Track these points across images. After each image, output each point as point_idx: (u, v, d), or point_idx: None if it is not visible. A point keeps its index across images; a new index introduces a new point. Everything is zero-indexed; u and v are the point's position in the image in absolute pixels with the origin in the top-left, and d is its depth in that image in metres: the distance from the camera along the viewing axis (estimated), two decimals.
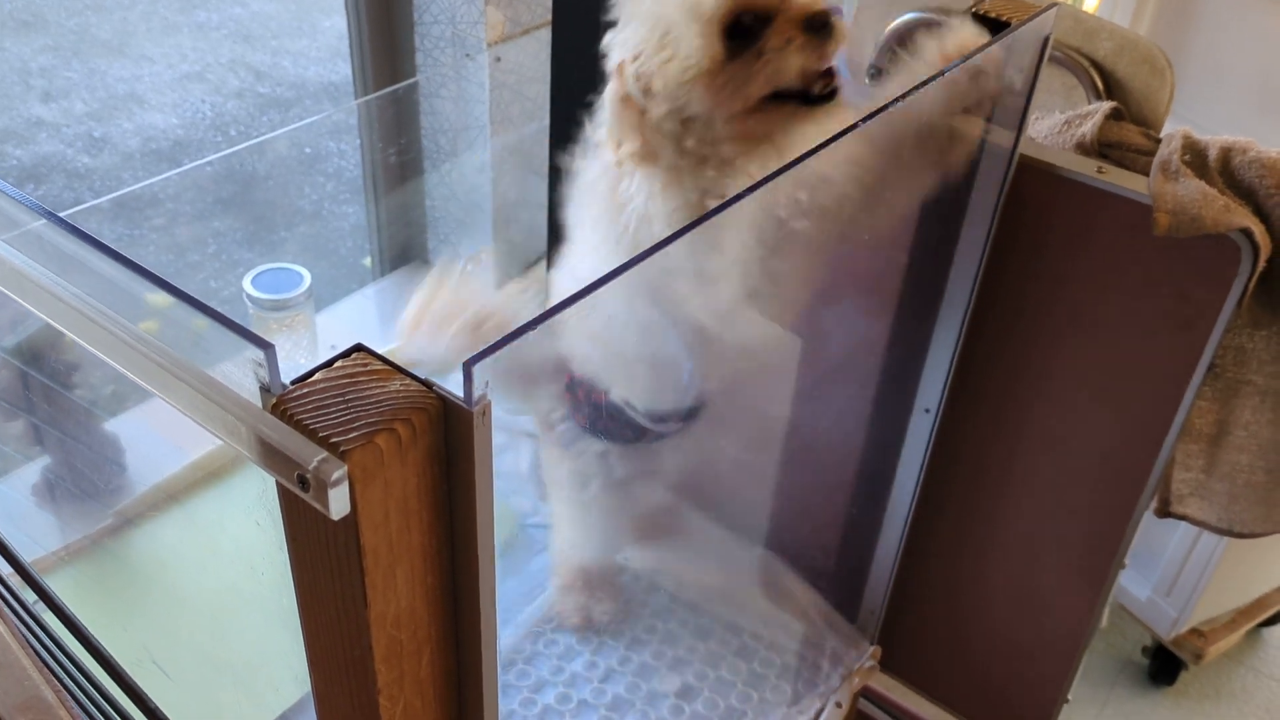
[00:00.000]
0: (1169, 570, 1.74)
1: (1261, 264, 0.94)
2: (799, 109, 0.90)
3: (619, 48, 0.92)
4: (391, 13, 1.61)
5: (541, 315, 0.53)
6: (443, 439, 0.52)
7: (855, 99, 1.03)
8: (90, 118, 3.44)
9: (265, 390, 0.51)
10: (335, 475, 0.47)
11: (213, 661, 0.84)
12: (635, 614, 1.30)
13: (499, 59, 1.57)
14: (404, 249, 1.84)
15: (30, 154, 3.25)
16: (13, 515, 1.22)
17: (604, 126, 0.94)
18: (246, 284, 1.51)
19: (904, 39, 1.15)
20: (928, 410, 1.11)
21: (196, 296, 0.53)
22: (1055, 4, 0.89)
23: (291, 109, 3.60)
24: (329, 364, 0.53)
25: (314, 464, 0.48)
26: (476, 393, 0.50)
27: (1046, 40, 0.90)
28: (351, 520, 0.50)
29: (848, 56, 1.32)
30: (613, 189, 0.95)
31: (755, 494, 1.32)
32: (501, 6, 1.55)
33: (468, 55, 1.59)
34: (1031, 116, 1.09)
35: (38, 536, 1.23)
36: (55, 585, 0.94)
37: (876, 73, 1.21)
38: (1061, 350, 1.06)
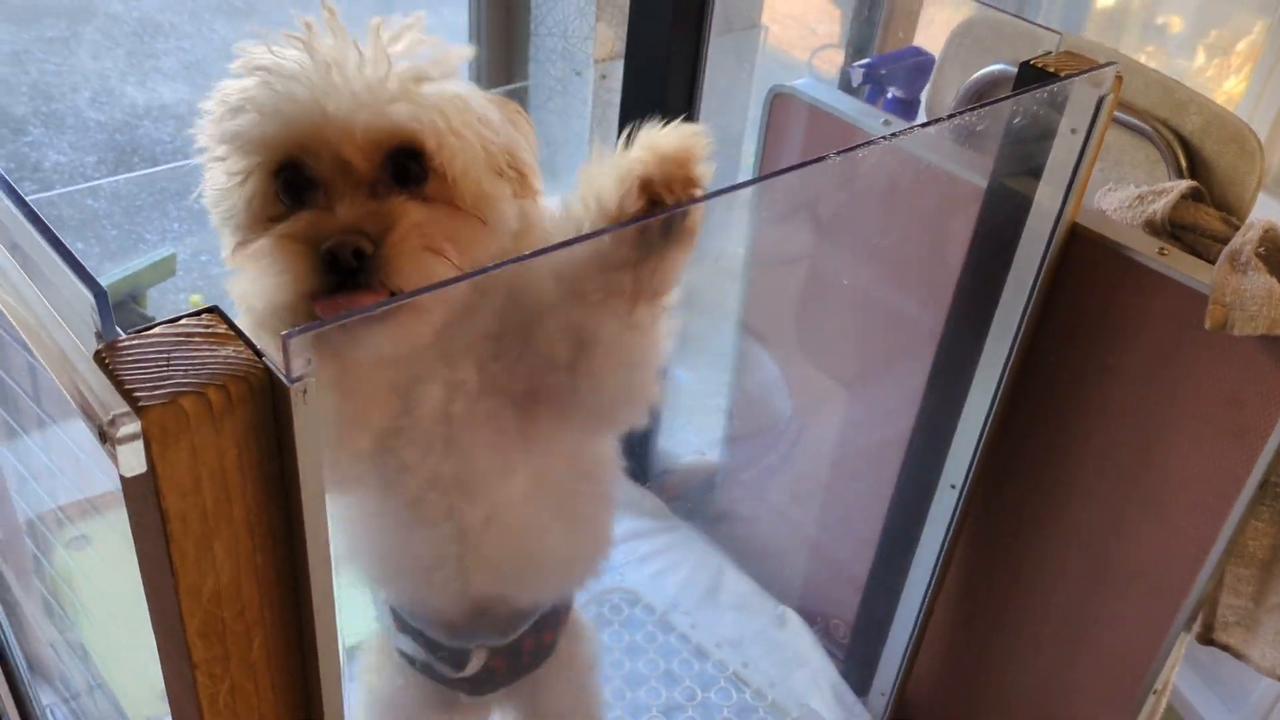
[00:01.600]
0: (1259, 707, 1.57)
1: None
2: None
3: None
4: (510, 16, 1.62)
5: (392, 300, 0.51)
6: (271, 414, 0.50)
7: (923, 150, 0.98)
8: None
9: (99, 337, 0.50)
10: (124, 431, 0.46)
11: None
12: (640, 649, 1.26)
13: (604, 76, 1.57)
14: None
15: None
16: None
17: None
18: None
19: (984, 93, 1.08)
20: (953, 486, 1.04)
21: None
22: (1113, 63, 0.81)
23: None
24: (175, 319, 0.51)
25: (110, 417, 0.46)
26: (296, 371, 0.48)
27: (1102, 100, 0.82)
28: (150, 481, 0.48)
29: (929, 109, 1.25)
30: None
31: (776, 549, 1.26)
32: (614, 24, 1.54)
33: (576, 72, 1.59)
34: (1103, 187, 1.01)
35: None
36: None
37: None
38: (1099, 441, 0.97)
